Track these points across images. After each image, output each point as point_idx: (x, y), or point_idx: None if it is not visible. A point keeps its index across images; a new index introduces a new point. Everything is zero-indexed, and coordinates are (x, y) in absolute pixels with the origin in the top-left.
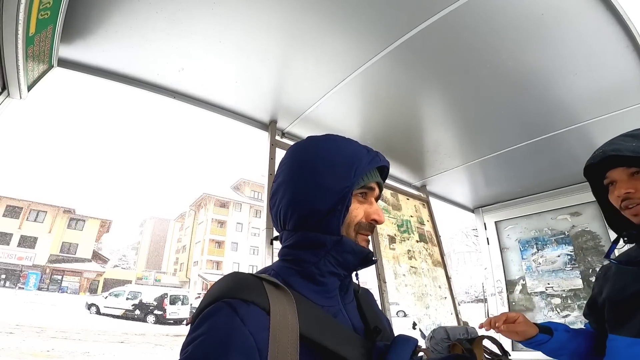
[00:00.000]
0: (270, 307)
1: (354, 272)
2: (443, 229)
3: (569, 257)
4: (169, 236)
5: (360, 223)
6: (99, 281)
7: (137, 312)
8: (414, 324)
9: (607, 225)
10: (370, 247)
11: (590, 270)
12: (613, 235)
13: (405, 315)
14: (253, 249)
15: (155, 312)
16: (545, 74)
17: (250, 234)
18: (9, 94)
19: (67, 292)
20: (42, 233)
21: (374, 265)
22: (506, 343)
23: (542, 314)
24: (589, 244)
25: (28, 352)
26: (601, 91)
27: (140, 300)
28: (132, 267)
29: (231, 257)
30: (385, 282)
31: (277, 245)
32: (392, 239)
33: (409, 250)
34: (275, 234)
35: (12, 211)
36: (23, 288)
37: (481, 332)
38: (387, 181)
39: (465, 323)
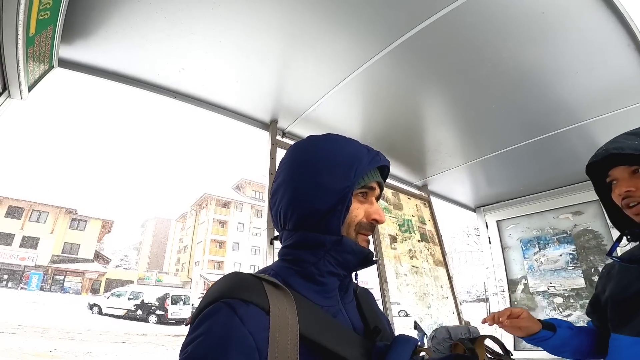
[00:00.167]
0: (269, 307)
1: (354, 272)
2: (444, 228)
3: (571, 256)
4: (170, 236)
5: (361, 223)
6: (101, 281)
7: (139, 312)
8: (416, 324)
9: (609, 224)
10: (371, 247)
11: (593, 269)
12: (615, 235)
13: (407, 315)
14: (254, 249)
15: (157, 312)
16: (547, 72)
17: (252, 234)
18: (9, 95)
19: (69, 293)
20: (44, 233)
21: (375, 265)
22: (508, 343)
23: (544, 314)
24: (591, 243)
25: (31, 353)
26: (603, 90)
27: (142, 301)
28: (133, 268)
29: (233, 257)
30: (386, 282)
31: (278, 245)
32: (393, 239)
33: (410, 250)
34: (276, 233)
35: (14, 212)
36: (25, 288)
37: (483, 331)
38: (388, 180)
39: (467, 323)
